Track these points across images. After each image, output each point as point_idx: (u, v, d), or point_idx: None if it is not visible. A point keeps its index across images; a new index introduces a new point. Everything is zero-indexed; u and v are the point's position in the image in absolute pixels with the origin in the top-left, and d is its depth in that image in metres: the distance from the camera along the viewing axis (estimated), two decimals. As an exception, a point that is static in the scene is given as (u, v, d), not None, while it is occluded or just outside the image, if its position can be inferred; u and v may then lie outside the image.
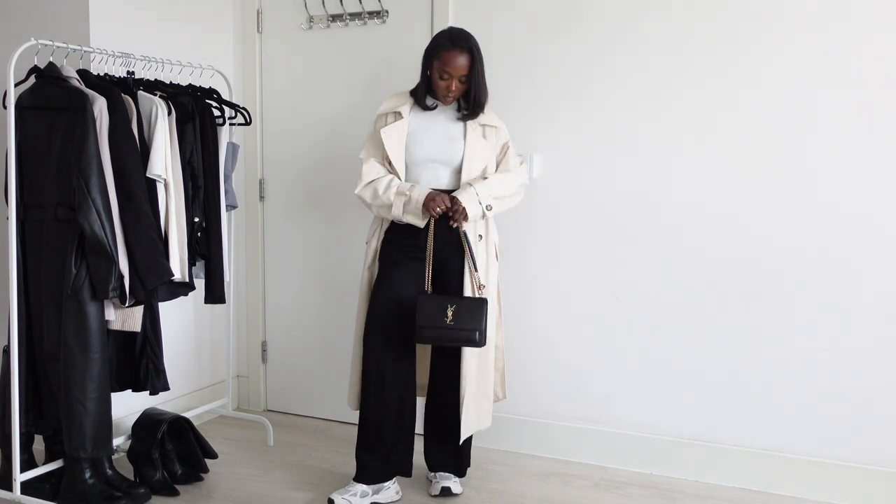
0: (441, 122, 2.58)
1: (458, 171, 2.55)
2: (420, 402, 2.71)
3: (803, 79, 2.61)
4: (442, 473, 2.70)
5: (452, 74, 2.48)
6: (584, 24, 2.88)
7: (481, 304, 2.43)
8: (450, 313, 2.40)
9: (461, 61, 2.46)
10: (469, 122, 2.57)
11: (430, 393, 2.72)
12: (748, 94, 2.68)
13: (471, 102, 2.55)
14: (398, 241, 2.57)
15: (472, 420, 2.57)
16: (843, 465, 2.63)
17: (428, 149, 2.54)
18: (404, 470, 2.62)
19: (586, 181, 2.92)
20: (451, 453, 2.70)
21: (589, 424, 2.99)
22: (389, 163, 2.55)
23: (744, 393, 2.76)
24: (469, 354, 2.52)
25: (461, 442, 2.58)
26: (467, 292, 2.51)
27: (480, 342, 2.41)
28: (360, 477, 2.58)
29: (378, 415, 2.55)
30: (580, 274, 2.96)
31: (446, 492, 2.65)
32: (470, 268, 2.51)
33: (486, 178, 2.55)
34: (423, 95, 2.58)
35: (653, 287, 2.86)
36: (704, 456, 2.81)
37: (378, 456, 2.57)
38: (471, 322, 2.40)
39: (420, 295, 2.46)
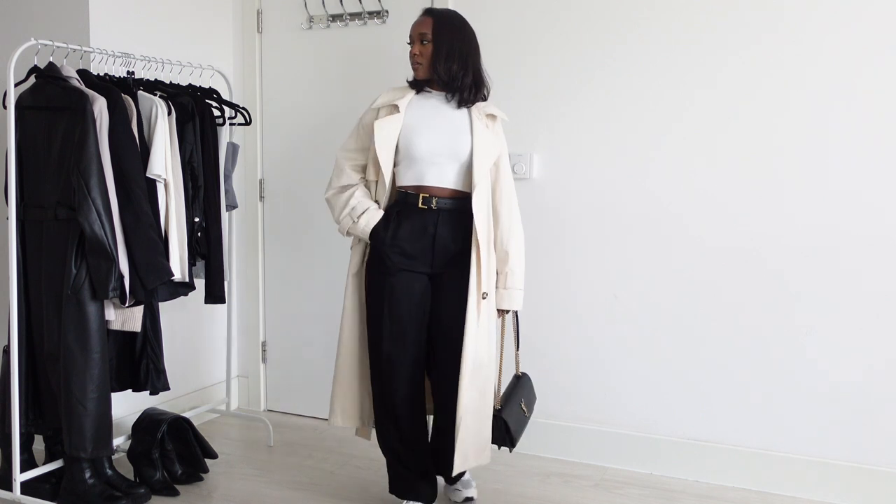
0: (444, 114, 2.39)
1: (468, 167, 2.35)
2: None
3: (804, 78, 2.61)
4: (459, 483, 2.61)
5: (413, 37, 2.39)
6: (584, 25, 2.88)
7: (527, 378, 2.63)
8: (524, 406, 2.53)
9: (421, 23, 2.39)
10: (474, 113, 2.39)
11: (435, 414, 2.56)
12: (752, 94, 2.68)
13: (439, 71, 2.34)
14: (393, 241, 2.35)
15: (470, 454, 2.37)
16: (843, 465, 2.63)
17: (432, 142, 2.34)
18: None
19: (586, 181, 2.92)
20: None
21: (589, 424, 2.99)
22: (375, 159, 2.36)
23: (744, 393, 2.76)
24: (466, 386, 2.31)
25: (453, 475, 2.46)
26: (470, 311, 2.31)
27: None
28: (412, 496, 2.48)
29: (404, 445, 2.46)
30: (579, 273, 2.96)
31: (469, 501, 2.59)
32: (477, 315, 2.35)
33: (510, 267, 2.41)
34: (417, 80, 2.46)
35: (652, 287, 2.86)
36: (704, 456, 2.81)
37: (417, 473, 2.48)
38: (534, 399, 2.63)
39: (502, 415, 2.42)
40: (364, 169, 2.45)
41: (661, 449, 2.87)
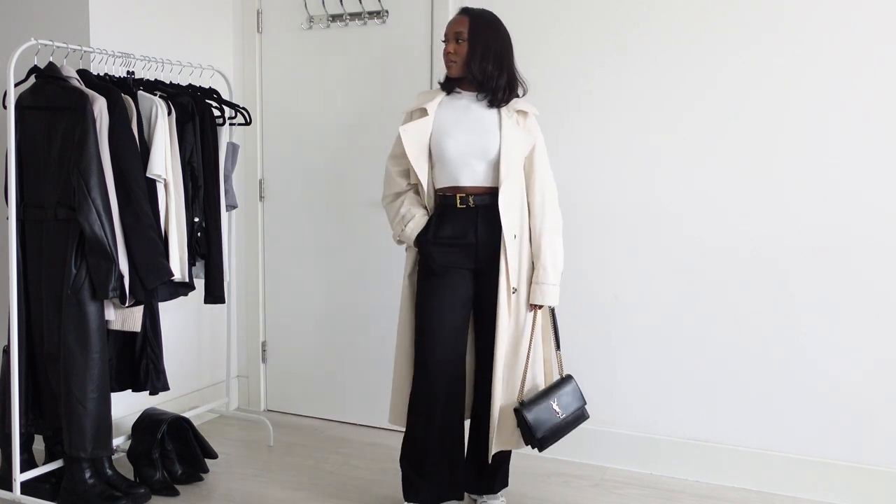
0: (473, 113, 2.38)
1: (496, 166, 2.34)
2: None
3: (805, 80, 2.61)
4: (481, 498, 2.56)
5: (448, 36, 2.37)
6: (584, 26, 2.88)
7: (569, 380, 2.44)
8: (557, 407, 2.38)
9: (458, 22, 2.37)
10: (504, 111, 2.38)
11: (476, 408, 2.53)
12: (752, 94, 2.68)
13: (474, 69, 2.33)
14: (436, 240, 2.37)
15: (504, 437, 2.39)
16: (843, 465, 2.63)
17: (461, 142, 2.34)
18: (456, 494, 2.49)
19: (586, 181, 2.92)
20: (477, 470, 2.54)
21: (589, 424, 2.97)
22: (411, 164, 2.38)
23: (744, 393, 2.76)
24: (499, 368, 2.34)
25: (490, 460, 2.42)
26: (501, 310, 2.33)
27: (587, 413, 2.45)
28: (412, 496, 2.46)
29: (424, 439, 2.42)
30: (580, 274, 2.96)
31: None
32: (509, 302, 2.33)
33: (542, 261, 2.37)
34: (448, 80, 2.44)
35: (652, 287, 2.86)
36: (704, 456, 2.81)
37: (427, 477, 2.45)
38: (575, 402, 2.42)
39: (522, 410, 2.31)
40: (409, 174, 2.45)
41: (661, 449, 2.87)
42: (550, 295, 2.39)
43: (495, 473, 2.56)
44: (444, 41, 2.41)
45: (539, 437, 2.32)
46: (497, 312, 2.33)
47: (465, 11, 2.41)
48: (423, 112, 2.39)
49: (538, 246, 2.39)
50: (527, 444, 2.39)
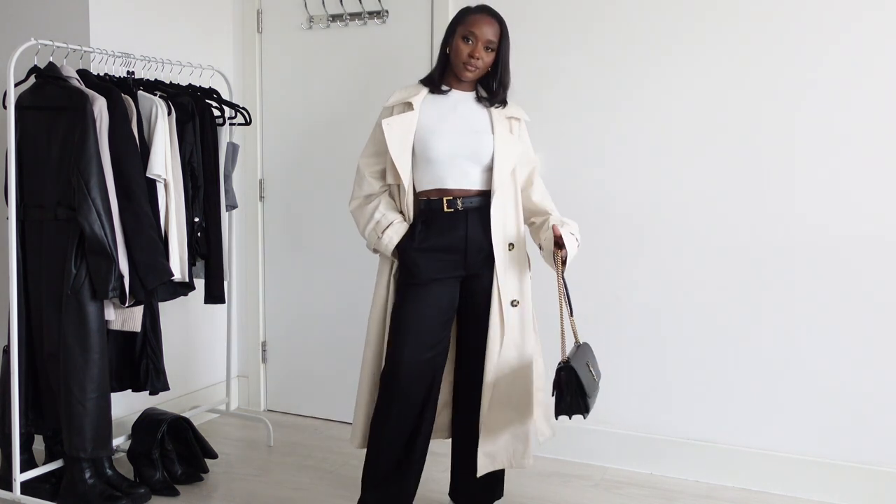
0: (462, 111, 2.24)
1: (488, 170, 2.20)
2: (437, 443, 2.48)
3: (804, 80, 2.61)
4: None
5: (478, 37, 2.17)
6: (585, 24, 2.88)
7: (589, 347, 2.27)
8: (592, 370, 2.20)
9: (489, 26, 2.18)
10: (495, 114, 2.25)
11: (459, 418, 2.41)
12: (751, 93, 2.68)
13: (496, 83, 2.24)
14: (422, 250, 2.20)
15: (501, 454, 2.27)
16: (843, 465, 2.63)
17: (451, 142, 2.18)
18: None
19: (587, 181, 2.92)
20: (476, 483, 2.39)
21: (589, 424, 2.98)
22: (391, 161, 2.20)
23: (744, 393, 2.76)
24: (487, 385, 2.20)
25: (478, 475, 2.27)
26: (493, 316, 2.21)
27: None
28: None
29: (382, 463, 2.27)
30: (581, 274, 2.95)
31: None
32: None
33: (567, 221, 2.25)
34: (440, 76, 2.26)
35: (653, 287, 2.86)
36: (704, 456, 2.81)
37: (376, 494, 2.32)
38: (597, 364, 2.26)
39: (568, 370, 2.06)
40: (385, 174, 2.28)
41: (661, 449, 2.87)
42: (573, 245, 2.19)
43: (494, 485, 2.46)
44: (467, 41, 2.19)
45: (589, 398, 2.08)
46: (489, 324, 2.21)
47: (493, 14, 2.24)
48: (408, 106, 2.22)
49: (558, 220, 2.24)
50: (572, 414, 2.08)
